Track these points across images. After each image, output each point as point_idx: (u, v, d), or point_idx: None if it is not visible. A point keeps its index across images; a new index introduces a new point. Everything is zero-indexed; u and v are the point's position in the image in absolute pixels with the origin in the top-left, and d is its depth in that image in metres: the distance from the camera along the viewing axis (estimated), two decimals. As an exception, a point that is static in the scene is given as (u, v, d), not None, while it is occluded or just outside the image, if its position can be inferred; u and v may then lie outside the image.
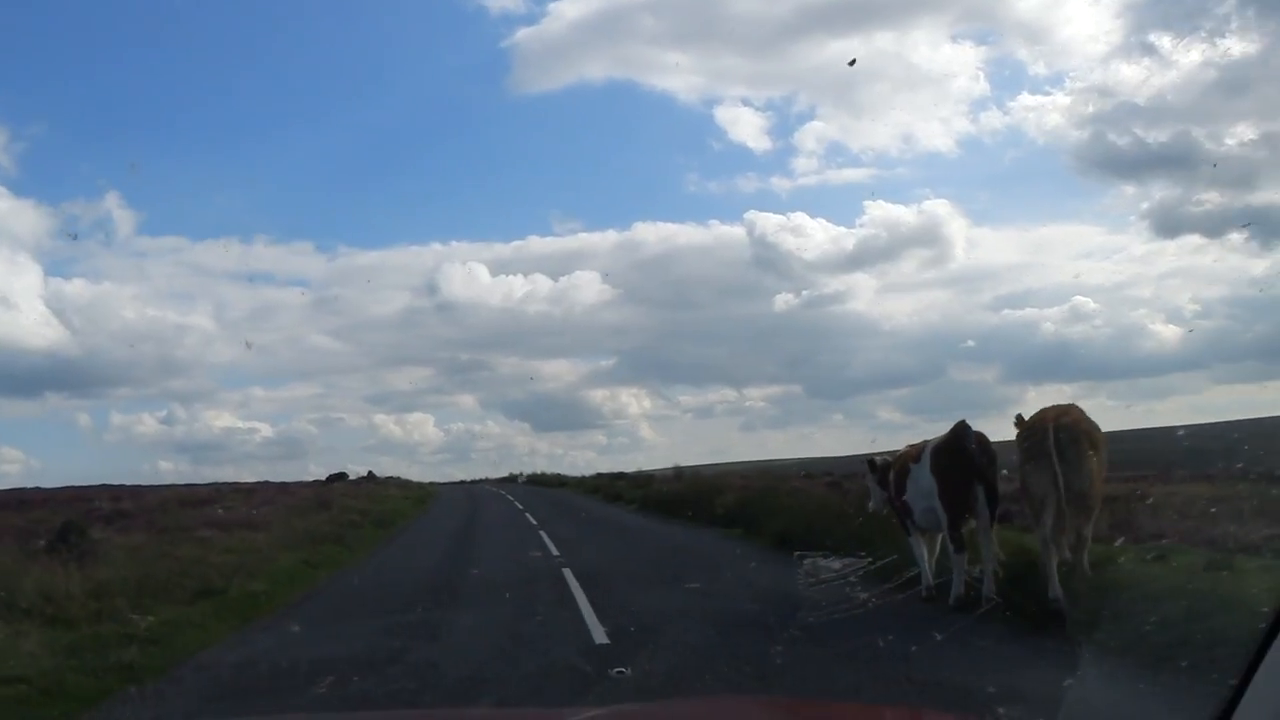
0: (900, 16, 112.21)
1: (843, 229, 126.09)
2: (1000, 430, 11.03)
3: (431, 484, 66.98)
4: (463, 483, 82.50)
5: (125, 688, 8.77)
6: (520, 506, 36.09)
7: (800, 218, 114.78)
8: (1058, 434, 9.34)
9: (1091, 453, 9.43)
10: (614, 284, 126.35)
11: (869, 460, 12.18)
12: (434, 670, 8.78)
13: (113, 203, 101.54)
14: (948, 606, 10.05)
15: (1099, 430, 9.79)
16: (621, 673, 8.01)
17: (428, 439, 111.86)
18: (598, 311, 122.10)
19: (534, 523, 27.05)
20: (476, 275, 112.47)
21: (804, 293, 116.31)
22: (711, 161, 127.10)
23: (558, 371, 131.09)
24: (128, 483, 47.27)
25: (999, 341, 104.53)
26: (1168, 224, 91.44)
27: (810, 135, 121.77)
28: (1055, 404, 10.02)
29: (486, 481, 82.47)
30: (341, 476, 59.06)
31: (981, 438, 10.42)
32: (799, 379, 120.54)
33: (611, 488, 45.59)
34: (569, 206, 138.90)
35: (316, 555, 18.91)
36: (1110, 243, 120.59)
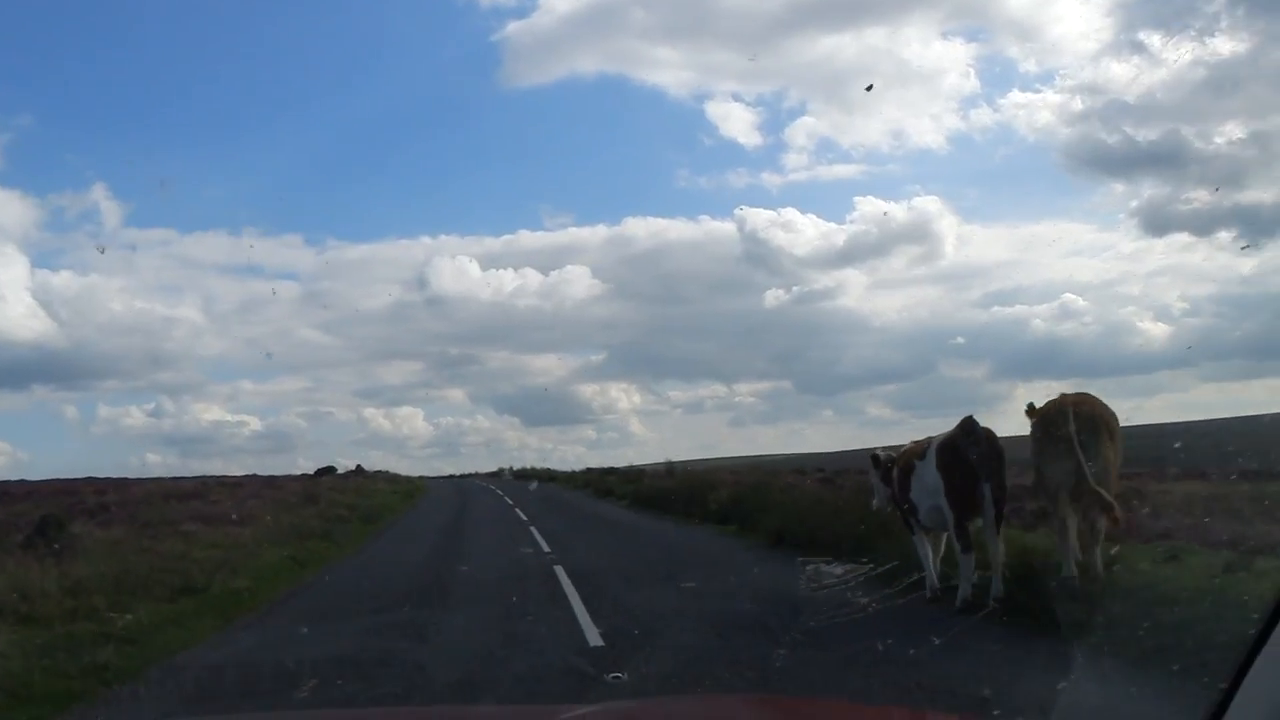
0: (891, 12, 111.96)
1: (833, 225, 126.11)
2: (992, 427, 10.73)
3: (421, 478, 66.61)
4: (452, 477, 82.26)
5: (98, 690, 8.41)
6: (510, 501, 35.73)
7: (791, 213, 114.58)
8: (1077, 420, 9.06)
9: (1109, 442, 9.17)
10: (604, 279, 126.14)
11: (872, 456, 11.84)
12: (422, 673, 8.43)
13: (100, 194, 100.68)
14: (954, 608, 9.73)
15: (1116, 420, 9.53)
16: (618, 678, 7.67)
17: (417, 433, 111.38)
18: (588, 306, 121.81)
19: (524, 518, 26.71)
20: (466, 269, 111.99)
21: (794, 288, 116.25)
22: (702, 157, 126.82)
23: (547, 366, 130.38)
24: (114, 475, 46.73)
25: (989, 338, 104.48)
26: (1157, 222, 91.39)
27: (801, 131, 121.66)
28: (1067, 393, 9.73)
29: (476, 476, 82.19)
30: (330, 470, 58.60)
31: (989, 434, 10.09)
32: (789, 374, 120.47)
33: (602, 483, 45.24)
34: (559, 201, 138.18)
35: (303, 551, 18.53)
36: (1100, 240, 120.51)
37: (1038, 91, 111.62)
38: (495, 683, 7.91)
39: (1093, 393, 10.29)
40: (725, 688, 7.30)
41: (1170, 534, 11.75)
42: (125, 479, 46.06)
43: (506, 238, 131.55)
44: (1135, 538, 11.64)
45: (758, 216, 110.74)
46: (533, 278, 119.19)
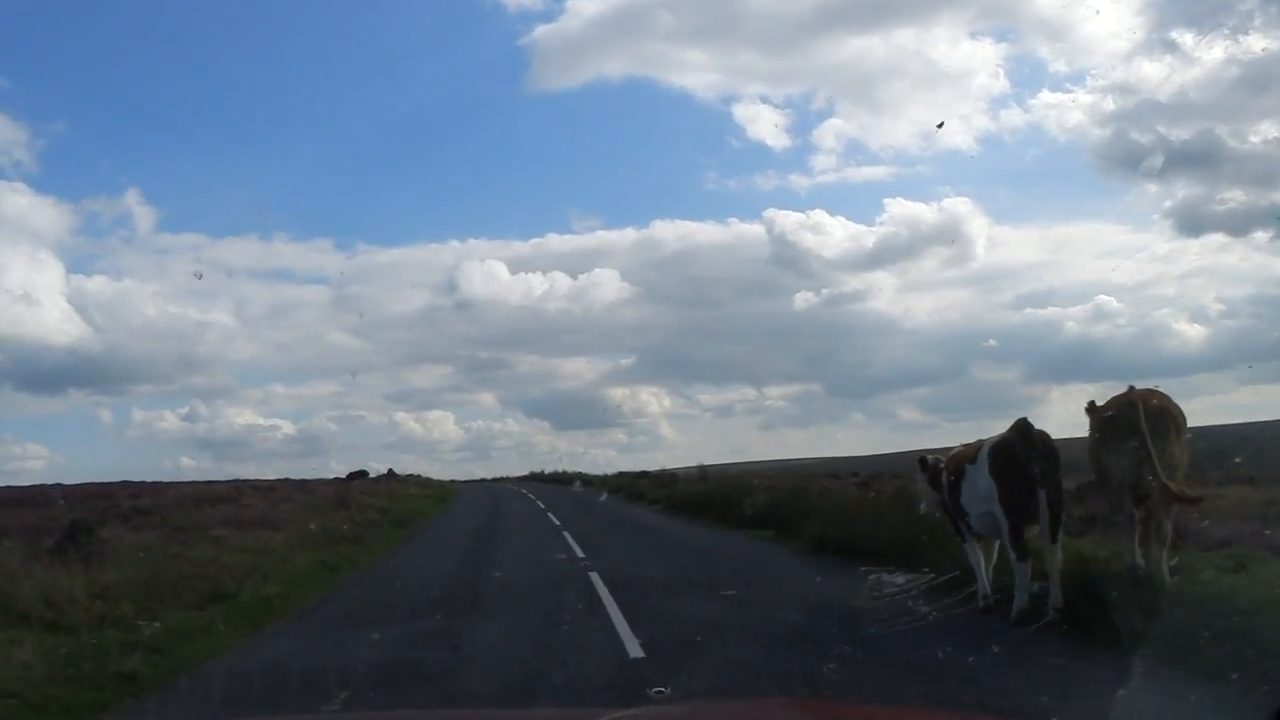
0: (920, 13, 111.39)
1: (863, 227, 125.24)
2: None
3: (452, 482, 66.61)
4: (483, 481, 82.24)
5: (124, 701, 8.15)
6: (542, 505, 35.47)
7: (820, 215, 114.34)
8: (1147, 414, 8.65)
9: (1176, 439, 8.75)
10: (633, 282, 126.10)
11: (920, 459, 11.41)
12: (455, 685, 8.12)
13: (133, 200, 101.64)
14: (1009, 619, 9.30)
15: (1184, 418, 9.09)
16: (661, 693, 7.32)
17: (448, 437, 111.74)
18: (617, 309, 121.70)
19: (557, 523, 26.42)
20: (495, 273, 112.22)
21: (824, 291, 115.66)
22: (730, 159, 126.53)
23: (577, 370, 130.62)
24: (149, 479, 46.88)
25: (1021, 341, 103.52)
26: (1191, 222, 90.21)
27: (829, 133, 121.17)
28: (1136, 388, 9.31)
29: (507, 480, 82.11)
30: (362, 474, 58.63)
31: (1044, 436, 9.64)
32: (819, 378, 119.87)
33: (634, 487, 44.92)
34: (588, 204, 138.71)
35: (334, 556, 18.31)
36: (1133, 241, 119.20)
37: (1068, 91, 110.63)
38: (532, 696, 7.58)
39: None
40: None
41: (1231, 541, 11.28)
42: (159, 483, 46.28)
43: (535, 241, 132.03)
44: (1195, 545, 11.18)
45: (786, 219, 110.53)
46: (562, 281, 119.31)
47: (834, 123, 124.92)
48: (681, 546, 19.56)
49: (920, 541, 12.22)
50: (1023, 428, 9.68)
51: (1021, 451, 9.53)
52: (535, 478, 78.95)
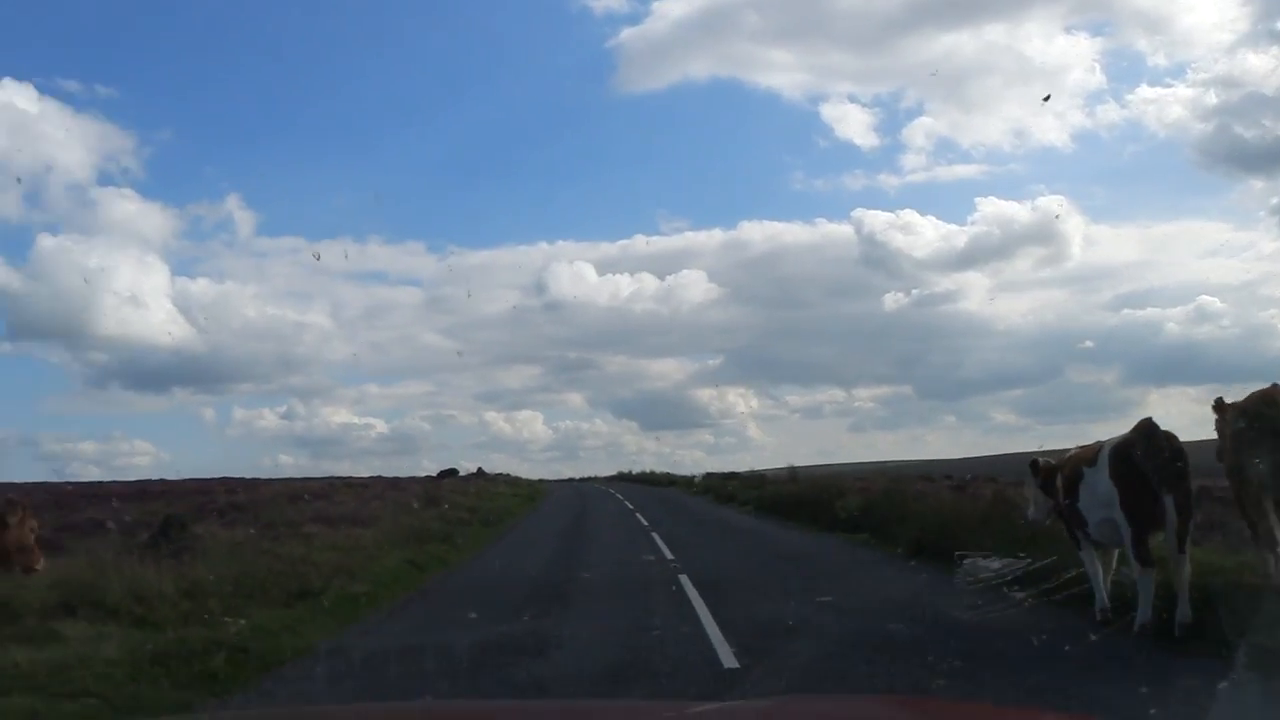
0: (1012, 9, 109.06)
1: (954, 226, 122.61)
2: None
3: (540, 481, 66.81)
4: (571, 480, 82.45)
5: (206, 701, 7.97)
6: (631, 506, 35.17)
7: (910, 215, 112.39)
8: None
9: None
10: (721, 283, 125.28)
11: (1032, 462, 10.73)
12: (542, 693, 7.77)
13: (234, 204, 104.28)
14: (1131, 633, 8.65)
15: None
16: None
17: (537, 436, 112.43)
18: (704, 310, 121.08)
19: (645, 524, 26.08)
20: (584, 274, 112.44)
21: (914, 291, 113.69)
22: (817, 159, 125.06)
23: (665, 370, 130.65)
24: (249, 476, 47.79)
25: (1119, 342, 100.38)
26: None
27: (919, 131, 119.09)
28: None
29: (595, 479, 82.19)
30: (452, 472, 59.07)
31: (1170, 437, 8.92)
32: (909, 379, 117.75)
33: (723, 488, 44.44)
34: (675, 205, 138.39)
35: (422, 554, 18.18)
36: (1237, 239, 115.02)
37: (1168, 86, 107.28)
38: (622, 708, 7.19)
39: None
40: None
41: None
42: (256, 479, 47.16)
43: (623, 243, 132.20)
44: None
45: (875, 219, 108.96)
46: (649, 282, 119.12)
47: (924, 121, 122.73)
48: (774, 549, 19.03)
49: (1023, 546, 11.58)
50: (1147, 428, 8.99)
51: (1146, 453, 8.85)
52: (623, 478, 78.84)
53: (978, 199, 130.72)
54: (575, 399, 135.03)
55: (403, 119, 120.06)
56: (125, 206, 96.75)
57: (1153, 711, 6.55)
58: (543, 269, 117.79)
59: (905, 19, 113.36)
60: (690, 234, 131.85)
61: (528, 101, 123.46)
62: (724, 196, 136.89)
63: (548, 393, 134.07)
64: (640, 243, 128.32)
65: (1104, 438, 9.54)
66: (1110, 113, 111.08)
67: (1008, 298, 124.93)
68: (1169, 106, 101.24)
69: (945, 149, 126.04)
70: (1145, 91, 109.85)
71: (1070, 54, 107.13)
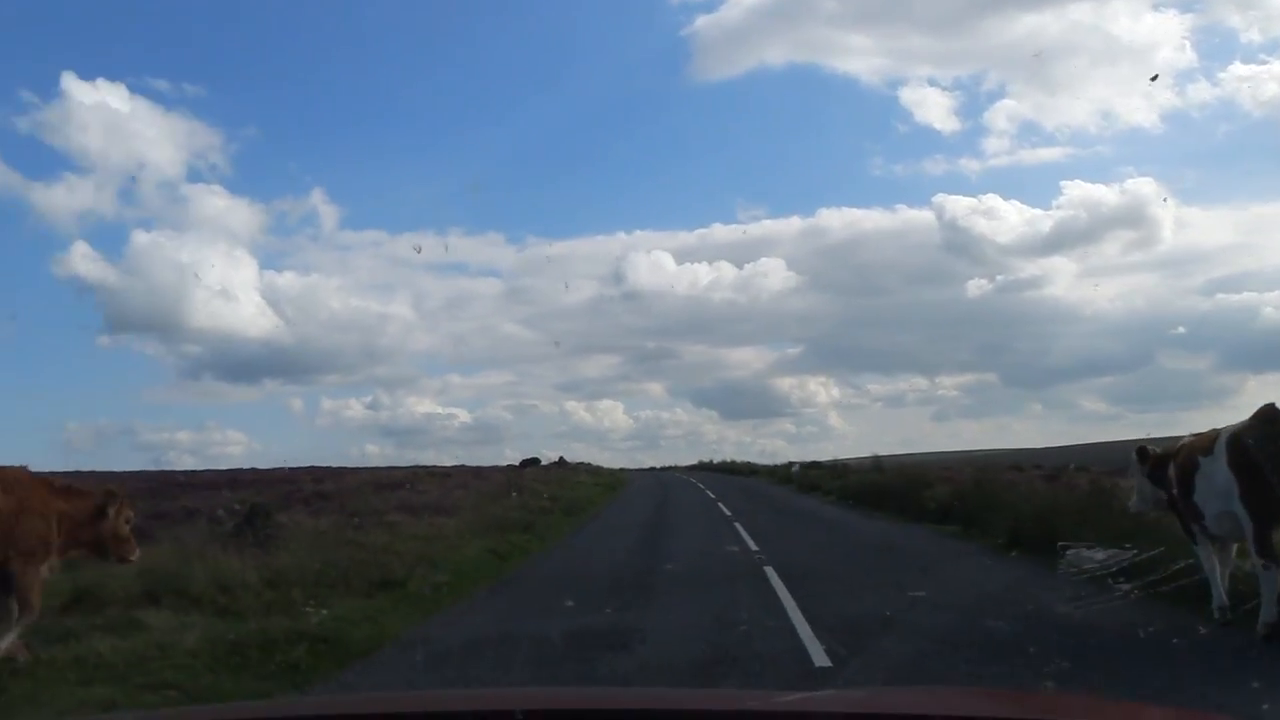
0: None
1: (1038, 211, 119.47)
2: (1216, 423, 9.06)
3: (622, 470, 66.85)
4: (652, 469, 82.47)
5: (286, 693, 7.86)
6: (712, 496, 34.84)
7: (992, 200, 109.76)
8: None
9: None
10: (800, 271, 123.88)
11: (1139, 449, 10.15)
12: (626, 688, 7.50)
13: (318, 199, 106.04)
14: (1250, 632, 8.10)
15: None
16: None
17: (617, 426, 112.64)
18: (784, 299, 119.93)
19: (728, 513, 25.74)
20: (662, 264, 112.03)
21: (998, 277, 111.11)
22: (897, 144, 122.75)
23: (744, 359, 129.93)
24: (336, 465, 48.58)
25: (1213, 327, 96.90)
26: None
27: (1001, 114, 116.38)
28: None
29: (676, 469, 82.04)
30: (534, 462, 59.40)
31: (1292, 424, 8.32)
32: (994, 367, 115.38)
33: (806, 477, 43.92)
34: (752, 193, 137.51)
35: (504, 544, 18.09)
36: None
37: (1263, 63, 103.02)
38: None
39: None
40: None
41: None
42: (343, 468, 47.93)
43: (700, 231, 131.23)
44: None
45: (957, 204, 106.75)
46: (728, 271, 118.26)
47: (1006, 104, 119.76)
48: (861, 540, 18.57)
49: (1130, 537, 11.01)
50: (1269, 415, 8.39)
51: (1260, 441, 8.26)
52: (704, 467, 78.59)
53: (1063, 182, 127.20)
54: (655, 388, 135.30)
55: (481, 112, 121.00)
56: (214, 202, 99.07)
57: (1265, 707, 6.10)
58: (621, 259, 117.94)
59: (986, 0, 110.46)
60: (768, 222, 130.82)
61: (604, 92, 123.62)
62: (802, 183, 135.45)
63: (628, 382, 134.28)
64: (719, 231, 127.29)
65: (1201, 427, 9.05)
66: (1201, 91, 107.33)
67: (1095, 283, 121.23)
68: (1264, 84, 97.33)
69: (1029, 132, 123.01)
70: (1238, 69, 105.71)
71: (1159, 32, 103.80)
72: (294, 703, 5.48)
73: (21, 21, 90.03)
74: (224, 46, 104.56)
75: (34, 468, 9.46)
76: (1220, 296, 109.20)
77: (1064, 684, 6.90)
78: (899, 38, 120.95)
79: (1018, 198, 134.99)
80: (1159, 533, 10.41)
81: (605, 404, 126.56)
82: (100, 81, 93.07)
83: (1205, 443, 8.88)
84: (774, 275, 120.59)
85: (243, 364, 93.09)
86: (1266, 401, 8.45)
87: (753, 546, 17.18)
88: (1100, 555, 10.43)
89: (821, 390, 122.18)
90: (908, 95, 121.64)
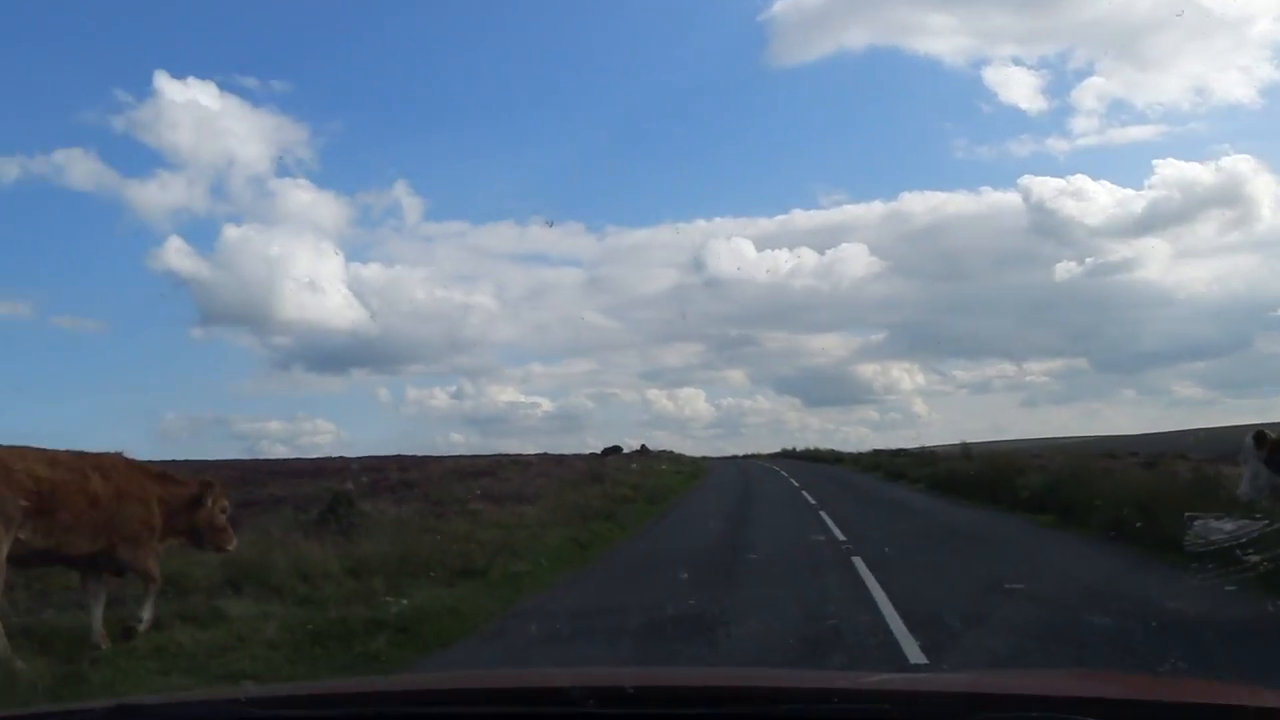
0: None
1: (1130, 191, 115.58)
2: None
3: (704, 458, 66.43)
4: (734, 458, 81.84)
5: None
6: (796, 484, 34.34)
7: (1081, 180, 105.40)
8: None
9: None
10: (882, 256, 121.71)
11: (1257, 434, 9.56)
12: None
13: (401, 191, 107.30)
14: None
15: None
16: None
17: (699, 414, 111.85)
18: (866, 285, 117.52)
19: (813, 502, 25.27)
20: (742, 251, 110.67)
21: (1087, 260, 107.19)
22: (981, 125, 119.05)
23: (826, 346, 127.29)
24: (422, 453, 49.01)
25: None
26: None
27: (1089, 92, 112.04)
28: None
29: (758, 457, 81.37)
30: (616, 450, 59.29)
31: None
32: (1084, 352, 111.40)
33: (892, 465, 43.09)
34: (833, 179, 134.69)
35: (585, 532, 17.94)
36: None
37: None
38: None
39: None
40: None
41: None
42: (428, 456, 48.35)
43: (780, 218, 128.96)
44: None
45: (1044, 185, 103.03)
46: (809, 257, 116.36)
47: (1095, 81, 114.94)
48: (951, 530, 18.00)
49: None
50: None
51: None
52: (787, 455, 77.79)
53: (1155, 161, 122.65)
54: (736, 376, 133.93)
55: (560, 101, 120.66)
56: (301, 196, 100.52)
57: None
58: (701, 246, 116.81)
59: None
60: (849, 207, 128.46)
61: (682, 79, 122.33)
62: (883, 168, 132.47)
63: (709, 370, 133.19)
64: (799, 217, 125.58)
65: None
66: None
67: (1190, 264, 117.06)
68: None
69: (1119, 110, 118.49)
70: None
71: (1256, 3, 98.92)
72: (384, 680, 5.41)
73: (116, 22, 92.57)
74: (309, 42, 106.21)
75: (134, 457, 9.59)
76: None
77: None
78: (982, 16, 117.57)
79: (1108, 178, 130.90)
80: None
81: (686, 392, 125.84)
82: (191, 80, 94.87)
83: (1333, 427, 8.28)
84: (856, 261, 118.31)
85: (330, 355, 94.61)
86: None
87: (839, 536, 16.76)
88: (1229, 526, 9.84)
89: (905, 377, 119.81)
90: (992, 75, 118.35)
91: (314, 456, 53.26)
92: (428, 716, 2.25)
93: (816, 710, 2.11)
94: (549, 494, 23.76)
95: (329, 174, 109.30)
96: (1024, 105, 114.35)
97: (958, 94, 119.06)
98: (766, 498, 29.37)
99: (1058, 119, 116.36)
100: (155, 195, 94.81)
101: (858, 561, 13.11)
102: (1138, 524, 13.57)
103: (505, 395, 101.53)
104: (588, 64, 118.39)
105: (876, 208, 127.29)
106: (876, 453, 55.33)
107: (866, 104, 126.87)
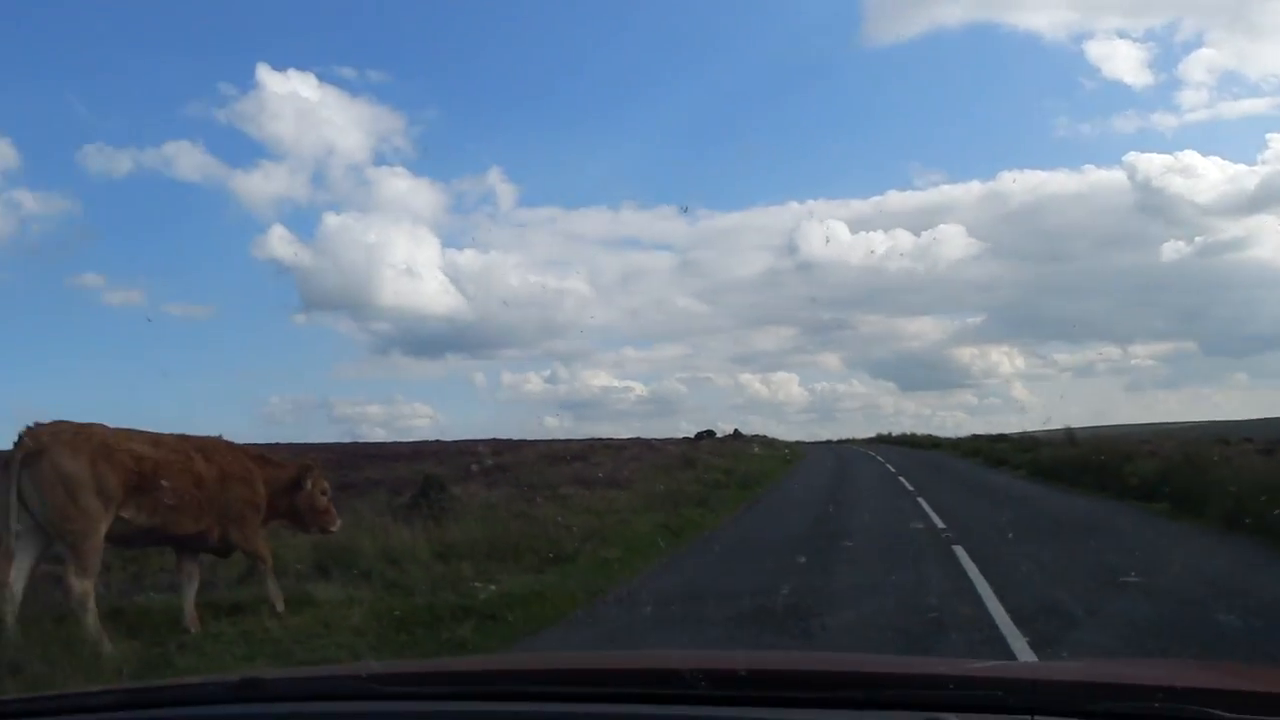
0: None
1: (1242, 167, 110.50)
2: None
3: (797, 443, 65.74)
4: (828, 442, 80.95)
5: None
6: (892, 469, 33.63)
7: (1190, 156, 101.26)
8: None
9: None
10: (980, 237, 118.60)
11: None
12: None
13: (495, 178, 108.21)
14: None
15: None
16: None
17: (792, 398, 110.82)
18: (963, 267, 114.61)
19: (910, 488, 24.62)
20: (836, 233, 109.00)
21: (1196, 239, 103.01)
22: (1083, 102, 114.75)
23: (922, 329, 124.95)
24: (517, 437, 49.33)
25: None
26: None
27: (1199, 65, 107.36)
28: None
29: (853, 441, 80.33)
30: (709, 434, 58.95)
31: None
32: (1192, 335, 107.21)
33: (992, 451, 42.01)
34: (929, 159, 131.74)
35: (676, 518, 17.68)
36: None
37: None
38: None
39: None
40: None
41: None
42: (522, 440, 48.64)
43: (875, 199, 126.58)
44: None
45: (1150, 162, 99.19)
46: (904, 239, 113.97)
47: (1204, 53, 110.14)
48: (1058, 518, 17.30)
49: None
50: None
51: None
52: (882, 439, 76.67)
53: (1269, 135, 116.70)
54: (830, 360, 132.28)
55: (651, 84, 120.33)
56: (398, 184, 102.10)
57: None
58: (794, 229, 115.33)
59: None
60: (946, 187, 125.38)
61: (774, 60, 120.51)
62: (981, 147, 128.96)
63: (802, 354, 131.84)
64: (894, 198, 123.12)
65: None
66: None
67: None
68: None
69: (1230, 82, 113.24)
70: None
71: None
72: (503, 658, 5.51)
73: (219, 17, 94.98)
74: (405, 33, 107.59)
75: (239, 440, 9.77)
76: None
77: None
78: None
79: (1218, 154, 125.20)
80: None
81: (780, 376, 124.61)
82: (291, 72, 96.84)
83: None
84: (953, 242, 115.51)
85: (427, 340, 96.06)
86: None
87: (939, 524, 16.22)
88: None
89: (1004, 360, 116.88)
90: (1095, 49, 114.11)
91: (411, 440, 54.13)
92: (545, 695, 2.24)
93: (929, 697, 2.03)
94: (641, 479, 23.59)
95: (425, 162, 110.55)
96: (1129, 80, 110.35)
97: (1059, 70, 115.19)
98: (862, 483, 28.78)
99: (1165, 93, 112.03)
100: (259, 185, 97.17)
101: (959, 551, 12.63)
102: (1262, 514, 12.81)
103: (598, 380, 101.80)
104: (679, 47, 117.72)
105: (974, 188, 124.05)
106: (975, 438, 54.14)
107: (963, 83, 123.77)
